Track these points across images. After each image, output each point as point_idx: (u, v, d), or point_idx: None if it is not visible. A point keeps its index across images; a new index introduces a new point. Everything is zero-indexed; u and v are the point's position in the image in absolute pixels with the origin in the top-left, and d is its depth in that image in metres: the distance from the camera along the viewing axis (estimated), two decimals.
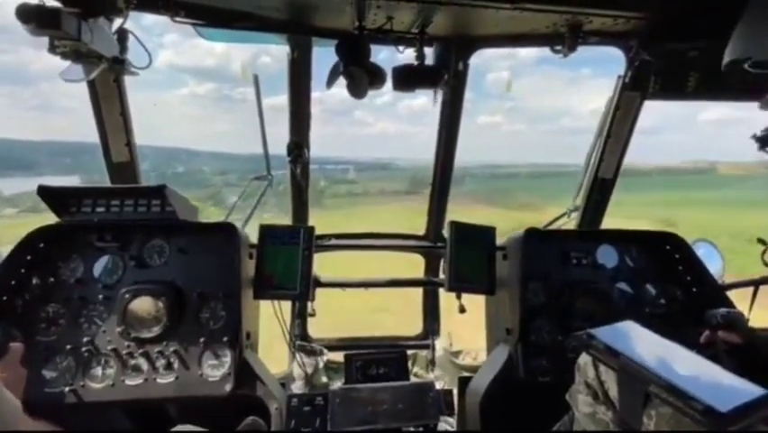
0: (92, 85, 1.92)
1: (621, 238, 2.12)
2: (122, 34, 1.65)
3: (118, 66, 1.62)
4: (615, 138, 2.28)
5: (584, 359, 1.50)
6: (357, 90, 1.87)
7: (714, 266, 2.10)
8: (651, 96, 1.96)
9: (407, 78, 1.94)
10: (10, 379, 0.71)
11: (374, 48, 1.88)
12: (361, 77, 1.83)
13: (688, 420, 1.05)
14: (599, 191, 2.46)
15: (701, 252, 2.11)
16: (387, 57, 1.96)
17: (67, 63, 1.55)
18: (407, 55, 1.98)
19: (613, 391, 1.35)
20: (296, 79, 2.15)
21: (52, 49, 1.44)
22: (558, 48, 1.97)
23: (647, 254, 2.10)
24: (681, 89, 1.85)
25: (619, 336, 1.30)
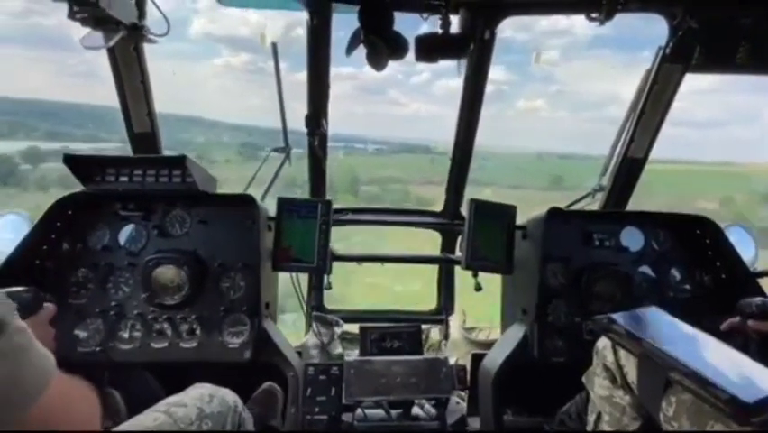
0: (112, 52, 1.91)
1: (648, 220, 2.03)
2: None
3: (136, 32, 1.59)
4: (650, 115, 2.14)
5: (603, 343, 1.48)
6: (376, 60, 1.79)
7: (747, 253, 2.00)
8: (693, 69, 1.81)
9: (431, 48, 1.85)
10: (40, 337, 0.76)
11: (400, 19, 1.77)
12: (381, 46, 1.75)
13: (708, 408, 1.02)
14: (628, 171, 2.34)
15: (734, 237, 2.01)
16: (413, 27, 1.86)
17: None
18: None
19: (632, 376, 1.33)
20: (314, 47, 2.08)
21: (72, 15, 1.43)
22: (594, 15, 1.83)
23: (675, 238, 2.01)
24: (729, 61, 1.69)
25: (641, 320, 1.27)
